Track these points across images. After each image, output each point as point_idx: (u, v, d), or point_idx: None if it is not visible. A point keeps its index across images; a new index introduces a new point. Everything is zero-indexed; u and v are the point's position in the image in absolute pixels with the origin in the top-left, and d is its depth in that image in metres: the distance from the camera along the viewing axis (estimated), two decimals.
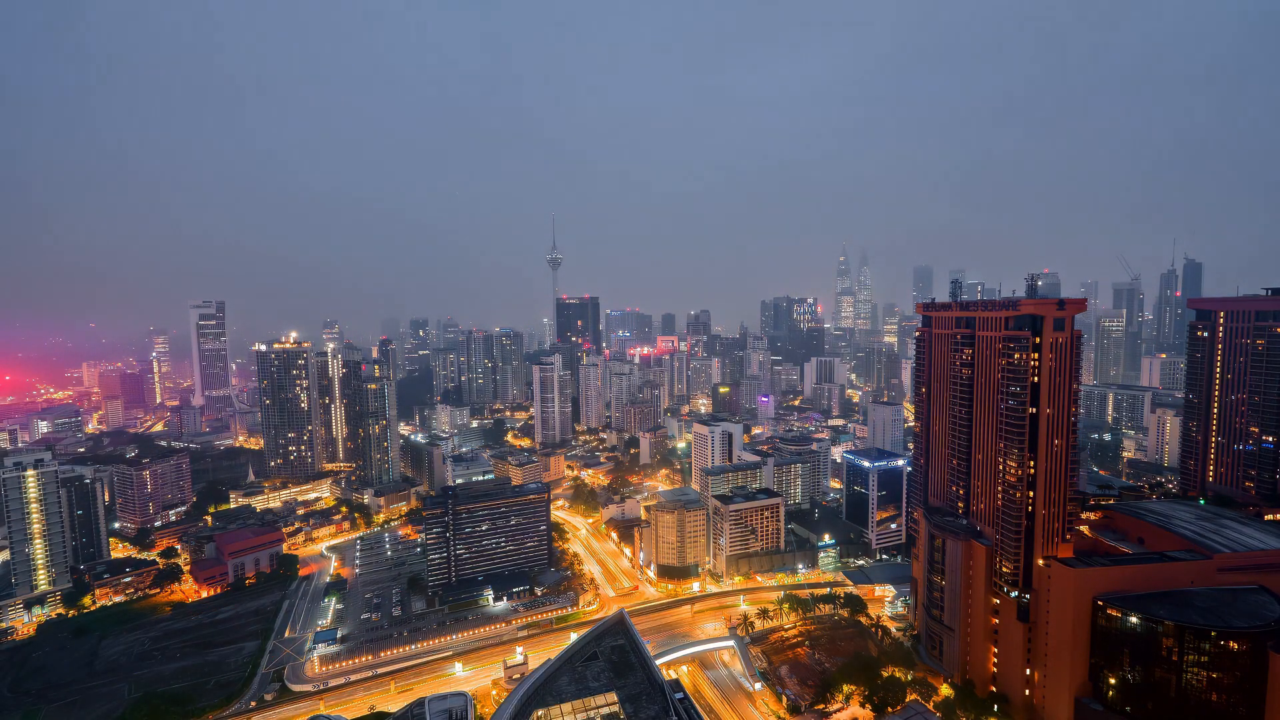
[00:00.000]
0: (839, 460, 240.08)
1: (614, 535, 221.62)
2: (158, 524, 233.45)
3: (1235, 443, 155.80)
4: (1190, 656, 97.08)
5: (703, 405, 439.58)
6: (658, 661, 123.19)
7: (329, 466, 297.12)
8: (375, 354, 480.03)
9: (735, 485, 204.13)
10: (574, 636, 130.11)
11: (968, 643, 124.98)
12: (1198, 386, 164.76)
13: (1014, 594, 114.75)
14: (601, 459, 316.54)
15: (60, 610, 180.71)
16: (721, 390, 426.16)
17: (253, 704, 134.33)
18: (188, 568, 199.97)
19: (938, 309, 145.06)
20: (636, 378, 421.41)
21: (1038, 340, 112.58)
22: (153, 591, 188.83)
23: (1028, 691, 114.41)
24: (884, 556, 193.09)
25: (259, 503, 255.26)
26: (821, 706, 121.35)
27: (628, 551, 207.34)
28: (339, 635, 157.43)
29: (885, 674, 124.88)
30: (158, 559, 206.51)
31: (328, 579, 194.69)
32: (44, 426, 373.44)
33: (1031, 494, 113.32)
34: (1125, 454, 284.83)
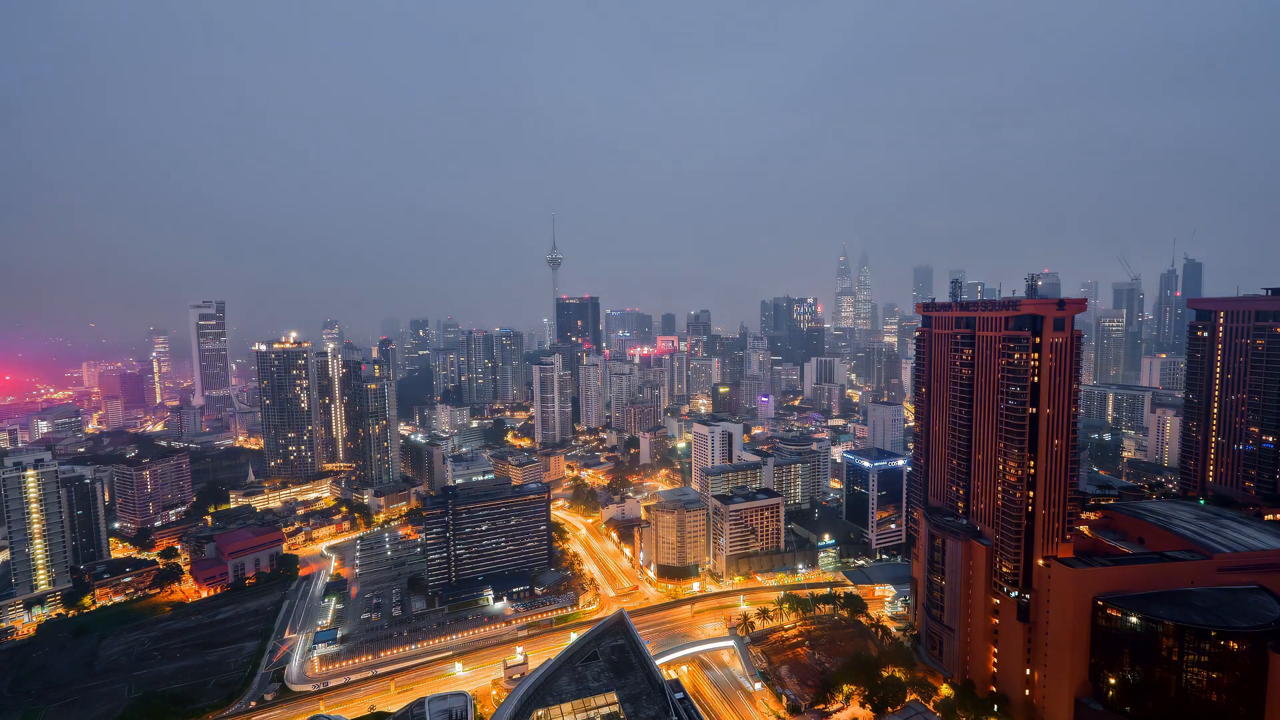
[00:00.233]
0: (839, 460, 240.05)
1: (614, 535, 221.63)
2: (158, 524, 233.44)
3: (1235, 443, 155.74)
4: (1190, 656, 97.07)
5: (703, 405, 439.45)
6: (658, 661, 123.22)
7: (329, 466, 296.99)
8: (375, 354, 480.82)
9: (735, 485, 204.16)
10: (574, 636, 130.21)
11: (968, 643, 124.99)
12: (1198, 386, 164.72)
13: (1014, 594, 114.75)
14: (601, 459, 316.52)
15: (60, 610, 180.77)
16: (721, 390, 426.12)
17: (253, 704, 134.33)
18: (188, 568, 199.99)
19: (938, 309, 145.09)
20: (636, 378, 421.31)
21: (1038, 340, 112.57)
22: (153, 591, 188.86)
23: (1028, 691, 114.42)
24: (884, 556, 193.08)
25: (259, 503, 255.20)
26: (821, 706, 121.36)
27: (628, 551, 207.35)
28: (339, 635, 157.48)
29: (885, 674, 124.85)
30: (158, 559, 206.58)
31: (328, 579, 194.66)
32: (44, 426, 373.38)
33: (1031, 494, 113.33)
34: (1125, 454, 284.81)
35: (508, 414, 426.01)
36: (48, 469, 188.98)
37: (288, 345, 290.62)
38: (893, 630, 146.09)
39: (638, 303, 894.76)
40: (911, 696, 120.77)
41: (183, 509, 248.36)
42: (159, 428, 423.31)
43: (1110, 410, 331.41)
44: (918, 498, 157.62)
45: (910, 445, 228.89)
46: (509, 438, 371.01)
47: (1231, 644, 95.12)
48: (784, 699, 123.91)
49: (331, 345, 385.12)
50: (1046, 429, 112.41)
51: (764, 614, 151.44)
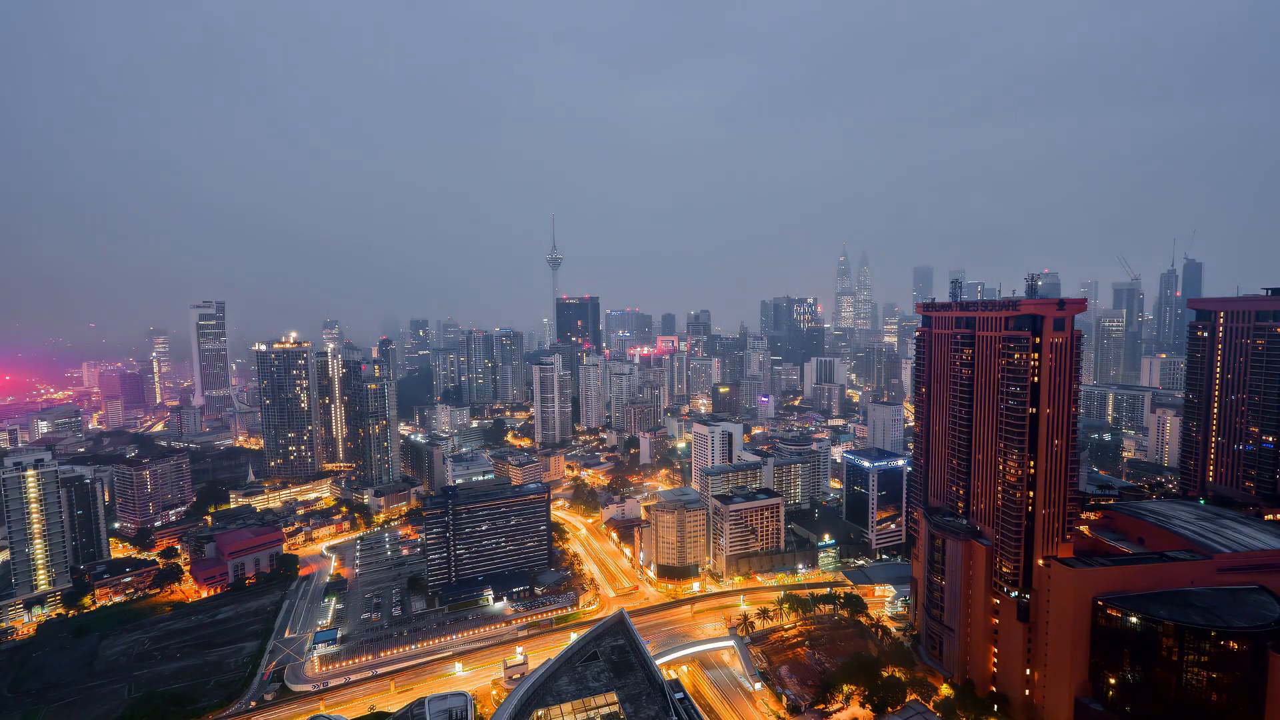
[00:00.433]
0: (839, 460, 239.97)
1: (614, 535, 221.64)
2: (158, 524, 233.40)
3: (1235, 443, 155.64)
4: (1190, 656, 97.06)
5: (703, 405, 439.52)
6: (658, 661, 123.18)
7: (329, 466, 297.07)
8: (375, 354, 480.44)
9: (735, 485, 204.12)
10: (574, 636, 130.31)
11: (968, 643, 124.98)
12: (1198, 386, 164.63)
13: (1014, 594, 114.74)
14: (601, 459, 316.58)
15: (60, 610, 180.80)
16: (721, 390, 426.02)
17: (253, 704, 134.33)
18: (188, 568, 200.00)
19: (938, 309, 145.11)
20: (636, 378, 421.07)
21: (1038, 340, 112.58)
22: (153, 591, 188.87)
23: (1028, 691, 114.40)
24: (884, 556, 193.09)
25: (259, 503, 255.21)
26: (821, 706, 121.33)
27: (628, 551, 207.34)
28: (339, 635, 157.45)
29: (885, 674, 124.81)
30: (158, 559, 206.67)
31: (328, 579, 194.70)
32: (44, 426, 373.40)
33: (1031, 494, 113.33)
34: (1125, 454, 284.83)
35: (508, 414, 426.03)
36: (48, 469, 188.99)
37: (288, 345, 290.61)
38: (893, 630, 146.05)
39: (638, 303, 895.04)
40: (911, 696, 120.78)
41: (183, 509, 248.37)
42: (159, 428, 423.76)
43: (1110, 410, 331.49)
44: (918, 498, 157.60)
45: (910, 445, 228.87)
46: (509, 438, 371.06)
47: (1231, 644, 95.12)
48: (784, 699, 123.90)
49: (331, 345, 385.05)
50: (1046, 429, 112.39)
51: (764, 614, 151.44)
